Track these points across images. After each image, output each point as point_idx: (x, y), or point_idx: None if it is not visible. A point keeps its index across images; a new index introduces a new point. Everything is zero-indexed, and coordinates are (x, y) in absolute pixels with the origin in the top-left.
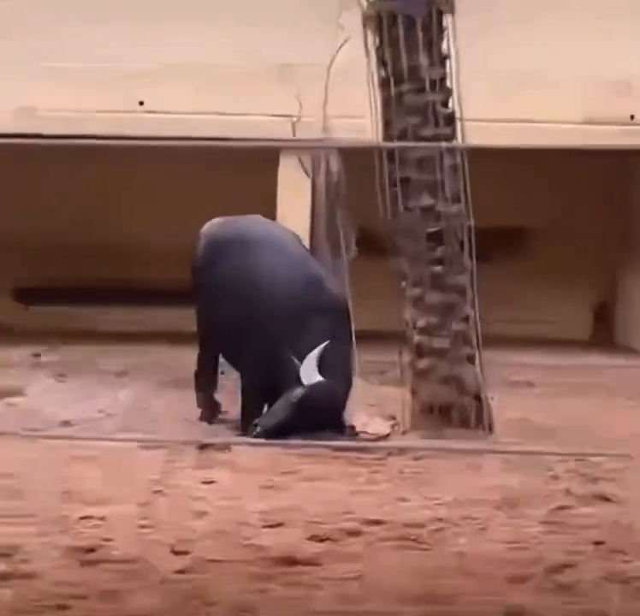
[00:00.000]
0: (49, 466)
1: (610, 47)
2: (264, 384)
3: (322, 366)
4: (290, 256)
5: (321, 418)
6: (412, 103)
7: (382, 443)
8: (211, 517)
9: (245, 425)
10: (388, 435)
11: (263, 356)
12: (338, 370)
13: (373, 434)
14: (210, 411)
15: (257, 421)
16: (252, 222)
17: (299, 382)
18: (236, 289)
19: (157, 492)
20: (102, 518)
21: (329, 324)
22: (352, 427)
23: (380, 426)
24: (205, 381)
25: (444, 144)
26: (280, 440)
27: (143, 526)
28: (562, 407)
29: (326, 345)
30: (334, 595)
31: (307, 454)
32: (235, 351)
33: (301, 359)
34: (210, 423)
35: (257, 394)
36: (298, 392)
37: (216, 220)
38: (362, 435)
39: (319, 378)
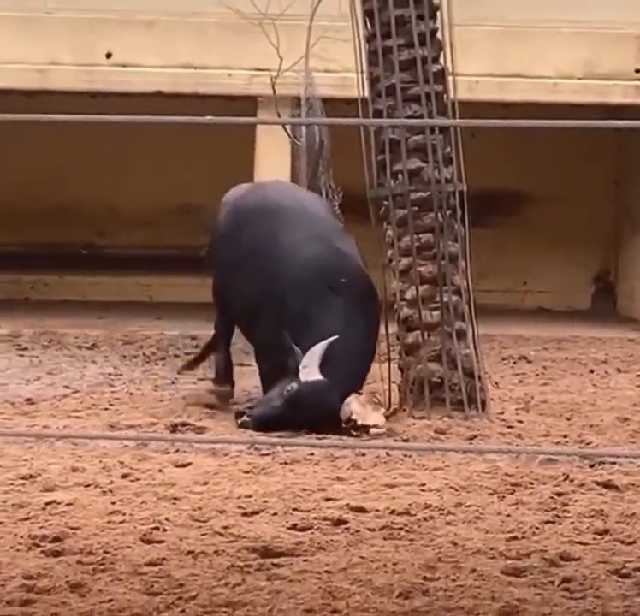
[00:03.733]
0: (10, 448)
1: None
2: (280, 361)
3: (328, 359)
4: (317, 226)
5: (311, 417)
6: (400, 58)
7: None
8: (185, 503)
9: None
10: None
11: (278, 332)
12: (343, 365)
13: (371, 426)
14: (226, 376)
15: (246, 407)
16: (280, 189)
17: (296, 374)
18: (257, 260)
19: (125, 476)
20: (68, 505)
21: (352, 302)
22: (351, 421)
23: (375, 417)
24: (222, 345)
25: (432, 121)
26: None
27: (111, 513)
28: (557, 386)
29: (335, 339)
30: (317, 589)
31: (286, 437)
32: (250, 325)
33: (320, 338)
34: (224, 388)
35: (273, 372)
36: (292, 386)
37: (241, 186)
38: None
39: (316, 376)
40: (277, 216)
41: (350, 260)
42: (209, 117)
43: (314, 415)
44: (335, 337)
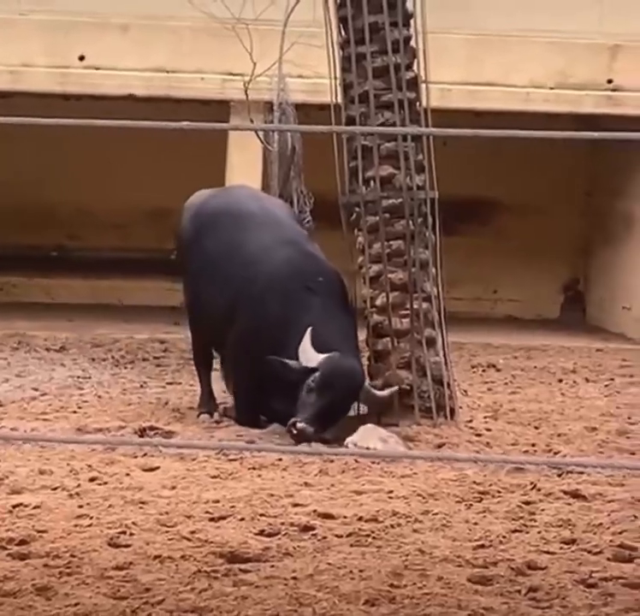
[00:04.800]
0: None
1: (587, 5)
2: (258, 369)
3: (319, 346)
4: (285, 231)
5: (346, 386)
6: (374, 65)
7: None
8: (153, 507)
9: (241, 418)
10: None
11: (258, 338)
12: (336, 346)
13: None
14: (208, 400)
15: (293, 420)
16: (243, 194)
17: (307, 372)
18: (227, 266)
19: (92, 480)
20: (35, 508)
21: (330, 301)
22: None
23: (396, 445)
24: (203, 375)
25: (405, 129)
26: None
27: (78, 516)
28: (525, 394)
29: (314, 329)
30: (284, 595)
31: (255, 442)
32: (222, 333)
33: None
34: (211, 414)
35: (251, 383)
36: (314, 376)
37: (204, 191)
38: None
39: (322, 356)
40: (243, 221)
41: (322, 262)
42: (185, 123)
43: (349, 381)
44: (310, 328)
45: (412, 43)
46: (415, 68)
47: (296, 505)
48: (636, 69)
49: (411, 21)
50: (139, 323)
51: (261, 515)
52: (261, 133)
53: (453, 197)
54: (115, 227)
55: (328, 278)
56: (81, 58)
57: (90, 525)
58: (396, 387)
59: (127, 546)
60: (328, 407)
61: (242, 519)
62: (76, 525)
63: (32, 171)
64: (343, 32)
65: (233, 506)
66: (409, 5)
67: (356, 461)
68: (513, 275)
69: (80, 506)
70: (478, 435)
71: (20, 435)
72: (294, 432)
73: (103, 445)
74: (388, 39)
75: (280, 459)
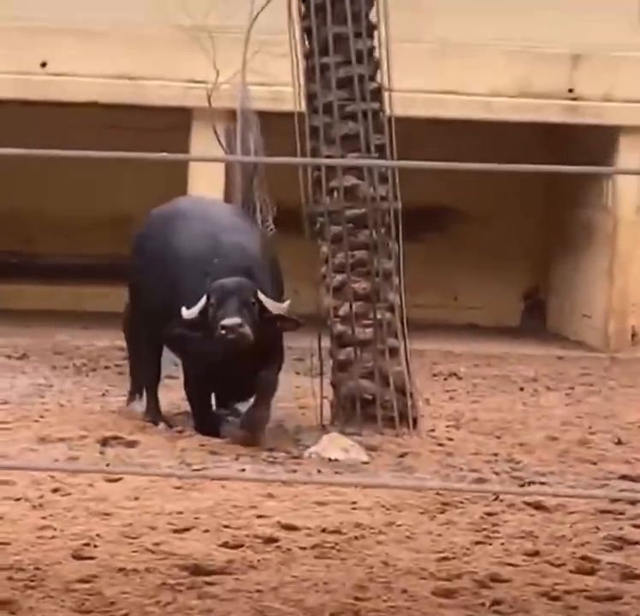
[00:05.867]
0: None
1: (548, 15)
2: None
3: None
4: (215, 226)
5: (237, 286)
6: (338, 76)
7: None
8: (116, 519)
9: (200, 425)
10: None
11: (186, 336)
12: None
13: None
14: (155, 411)
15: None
16: (187, 201)
17: (205, 312)
18: (161, 265)
19: (55, 491)
20: None
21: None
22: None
23: (358, 454)
24: (146, 374)
25: (371, 162)
26: None
27: (41, 528)
28: (487, 403)
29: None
30: (248, 609)
31: (218, 452)
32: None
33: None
34: (156, 423)
35: (200, 386)
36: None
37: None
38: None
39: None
40: (180, 222)
41: (231, 246)
42: (164, 153)
43: (234, 282)
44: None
45: (376, 53)
46: (378, 77)
47: (260, 516)
48: (596, 79)
49: (375, 32)
50: (98, 330)
51: (225, 527)
52: (223, 141)
53: (414, 204)
54: (74, 233)
55: (229, 256)
56: (43, 65)
57: (53, 537)
58: (288, 301)
59: (92, 558)
60: (233, 305)
61: (206, 531)
62: (40, 537)
63: None
64: (307, 43)
65: (196, 518)
66: (372, 16)
67: (318, 471)
68: (474, 282)
69: (44, 518)
70: (440, 444)
71: None
72: (224, 332)
73: (67, 457)
74: (352, 50)
75: (242, 470)
